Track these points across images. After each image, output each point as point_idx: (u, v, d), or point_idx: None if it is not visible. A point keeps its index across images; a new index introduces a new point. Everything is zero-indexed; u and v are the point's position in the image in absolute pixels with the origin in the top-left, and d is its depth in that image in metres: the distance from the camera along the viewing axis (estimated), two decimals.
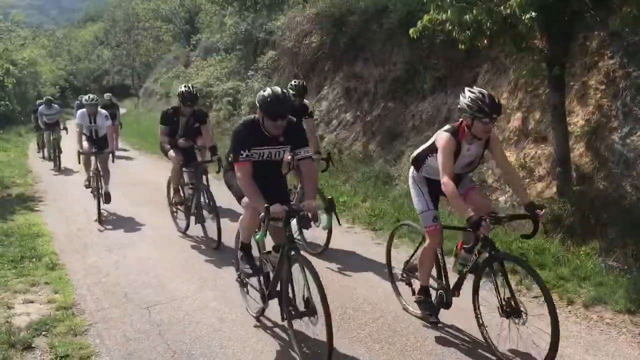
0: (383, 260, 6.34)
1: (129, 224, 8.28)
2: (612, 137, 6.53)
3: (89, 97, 9.71)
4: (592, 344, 4.25)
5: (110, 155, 8.96)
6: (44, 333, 4.58)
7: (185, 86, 7.71)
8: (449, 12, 6.18)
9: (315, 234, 6.68)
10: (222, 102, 18.04)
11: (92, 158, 9.08)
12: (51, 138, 14.77)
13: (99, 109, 9.55)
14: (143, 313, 5.01)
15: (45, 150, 16.32)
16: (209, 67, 20.97)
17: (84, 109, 9.45)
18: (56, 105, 15.68)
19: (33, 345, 4.36)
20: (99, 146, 9.08)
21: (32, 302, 5.32)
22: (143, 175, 13.01)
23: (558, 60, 6.49)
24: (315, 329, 4.06)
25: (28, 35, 47.71)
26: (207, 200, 7.24)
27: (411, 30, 7.03)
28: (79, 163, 9.18)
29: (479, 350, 4.19)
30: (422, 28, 6.93)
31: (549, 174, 7.11)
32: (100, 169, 8.96)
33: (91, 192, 9.37)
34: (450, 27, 6.62)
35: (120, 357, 4.19)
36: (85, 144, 9.05)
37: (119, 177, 12.64)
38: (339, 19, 13.28)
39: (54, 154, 14.46)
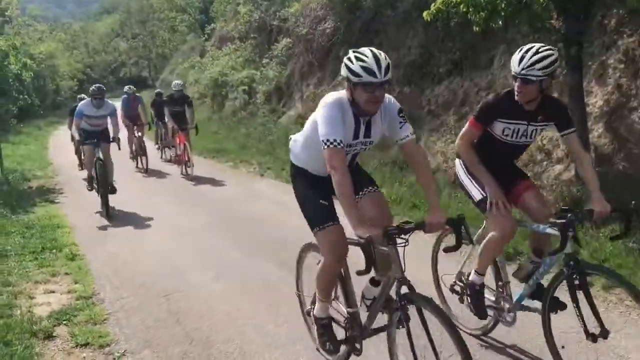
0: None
1: (146, 215, 8.35)
2: (632, 117, 6.41)
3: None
4: (610, 327, 4.16)
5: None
6: (64, 322, 4.65)
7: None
8: None
9: None
10: (238, 91, 18.05)
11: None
12: (96, 158, 8.84)
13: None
14: (161, 302, 5.06)
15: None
16: (224, 57, 20.99)
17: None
18: (109, 102, 9.26)
19: (54, 334, 4.43)
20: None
21: (52, 292, 5.40)
22: (161, 166, 13.13)
23: (575, 40, 6.37)
24: None
25: (45, 29, 48.39)
26: None
27: (425, 13, 6.97)
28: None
29: None
30: (436, 11, 6.87)
31: (567, 156, 7.01)
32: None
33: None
34: (464, 9, 6.54)
35: (139, 345, 4.24)
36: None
37: (132, 168, 12.80)
38: (352, 4, 13.19)
39: (102, 191, 8.67)
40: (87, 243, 7.06)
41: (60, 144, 19.25)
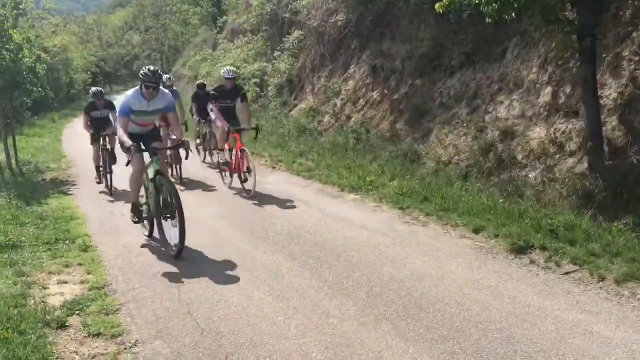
0: (411, 239, 6.35)
1: None
2: None
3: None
4: (623, 320, 4.17)
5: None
6: (77, 312, 4.70)
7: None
8: None
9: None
10: (249, 83, 18.06)
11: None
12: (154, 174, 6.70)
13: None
14: (173, 292, 5.10)
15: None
16: (236, 49, 20.99)
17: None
18: (165, 91, 6.82)
19: (67, 324, 4.48)
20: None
21: (65, 282, 5.45)
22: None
23: (589, 32, 6.30)
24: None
25: (59, 22, 48.59)
26: None
27: (437, 5, 6.94)
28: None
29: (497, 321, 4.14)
30: (448, 2, 6.85)
31: (580, 149, 6.95)
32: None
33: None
34: (476, 1, 6.50)
35: (150, 335, 4.27)
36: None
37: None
38: None
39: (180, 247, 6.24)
40: (99, 234, 7.12)
41: (73, 136, 19.41)
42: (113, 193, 9.69)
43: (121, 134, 6.25)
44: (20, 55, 12.16)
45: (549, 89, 7.71)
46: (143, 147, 6.40)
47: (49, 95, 18.09)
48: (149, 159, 6.47)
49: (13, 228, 7.26)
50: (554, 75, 7.68)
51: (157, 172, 6.33)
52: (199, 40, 32.47)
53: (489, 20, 6.60)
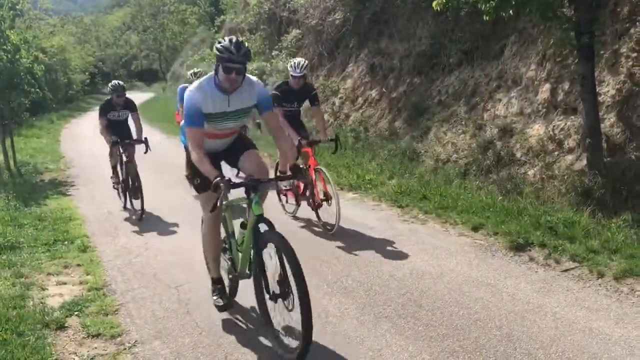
0: (410, 237, 6.34)
1: (158, 207, 8.38)
2: None
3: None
4: (622, 317, 4.17)
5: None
6: (76, 313, 4.69)
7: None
8: None
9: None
10: None
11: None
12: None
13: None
14: (172, 292, 5.09)
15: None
16: None
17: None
18: (252, 79, 4.26)
19: (66, 325, 4.47)
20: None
21: (64, 283, 5.44)
22: (173, 159, 13.17)
23: (587, 29, 6.30)
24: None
25: (56, 22, 48.60)
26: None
27: (435, 3, 6.94)
28: None
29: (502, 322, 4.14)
30: (446, 0, 6.83)
31: (578, 146, 6.95)
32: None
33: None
34: None
35: (150, 335, 4.27)
36: None
37: (149, 160, 12.83)
38: None
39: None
40: (98, 234, 7.11)
41: (72, 137, 19.40)
42: (142, 219, 7.71)
43: (199, 160, 3.90)
44: (17, 56, 12.11)
45: (547, 86, 7.70)
46: (233, 181, 3.75)
47: (47, 96, 18.07)
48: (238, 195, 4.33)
49: (12, 229, 7.24)
50: (552, 72, 7.68)
51: (258, 219, 3.90)
52: (197, 39, 32.51)
53: (487, 18, 6.60)
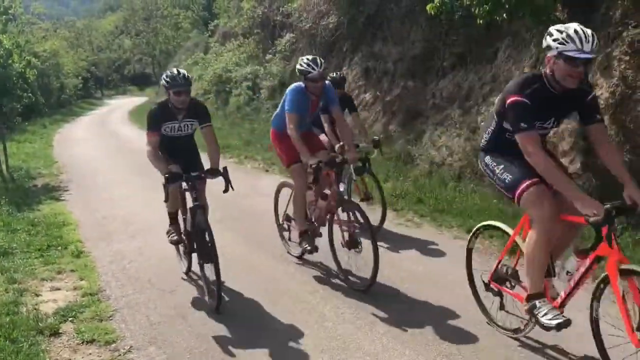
0: (405, 240, 6.34)
1: (151, 211, 8.34)
2: (638, 109, 6.36)
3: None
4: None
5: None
6: (70, 319, 4.66)
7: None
8: None
9: None
10: (242, 87, 18.07)
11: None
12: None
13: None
14: (167, 298, 5.07)
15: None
16: (228, 53, 21.01)
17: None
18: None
19: (60, 331, 4.44)
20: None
21: (58, 289, 5.41)
22: None
23: None
24: None
25: (49, 27, 48.50)
26: None
27: (429, 6, 6.97)
28: None
29: None
30: (440, 4, 6.87)
31: (572, 149, 6.97)
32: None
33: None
34: (468, 2, 6.52)
35: (145, 341, 4.24)
36: None
37: (138, 165, 12.82)
38: None
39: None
40: (92, 240, 7.07)
41: (65, 141, 19.32)
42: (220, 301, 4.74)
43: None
44: (10, 61, 12.08)
45: None
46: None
47: (40, 100, 18.01)
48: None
49: (4, 235, 7.20)
50: None
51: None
52: (191, 44, 32.45)
53: (481, 22, 6.63)
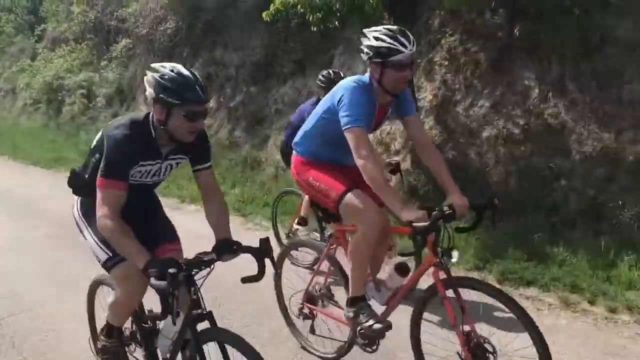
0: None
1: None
2: (457, 110, 7.02)
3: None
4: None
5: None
6: None
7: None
8: None
9: None
10: (76, 95, 17.01)
11: None
12: None
13: None
14: None
15: None
16: (58, 59, 19.63)
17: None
18: None
19: None
20: None
21: None
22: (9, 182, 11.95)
23: None
24: None
25: None
26: None
27: (264, 14, 7.09)
28: None
29: None
30: (275, 11, 7.01)
31: (403, 148, 7.51)
32: None
33: None
34: (302, 9, 6.73)
35: None
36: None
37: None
38: (193, 5, 12.98)
39: None
40: None
41: None
42: None
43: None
44: None
45: None
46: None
47: None
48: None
49: None
50: None
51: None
52: (15, 49, 29.78)
53: (314, 29, 6.88)
